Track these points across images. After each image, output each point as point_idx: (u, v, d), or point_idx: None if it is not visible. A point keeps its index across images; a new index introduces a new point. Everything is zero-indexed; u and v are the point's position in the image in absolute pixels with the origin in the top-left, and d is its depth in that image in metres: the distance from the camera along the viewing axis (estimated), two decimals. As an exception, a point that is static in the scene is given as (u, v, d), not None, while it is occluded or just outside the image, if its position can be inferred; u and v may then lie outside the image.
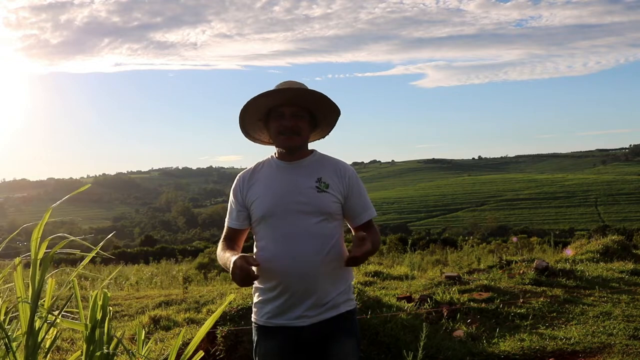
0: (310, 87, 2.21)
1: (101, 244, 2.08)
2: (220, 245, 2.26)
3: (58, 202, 2.05)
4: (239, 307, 4.73)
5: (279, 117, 2.16)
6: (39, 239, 1.95)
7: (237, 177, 2.29)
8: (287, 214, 2.11)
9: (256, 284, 2.19)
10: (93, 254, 2.07)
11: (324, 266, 2.09)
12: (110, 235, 2.59)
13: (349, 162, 2.31)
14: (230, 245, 2.22)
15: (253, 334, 2.21)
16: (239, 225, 2.24)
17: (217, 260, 2.22)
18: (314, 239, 2.09)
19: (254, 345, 2.20)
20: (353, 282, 2.39)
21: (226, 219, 2.28)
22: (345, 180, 2.18)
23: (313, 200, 2.11)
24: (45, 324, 2.00)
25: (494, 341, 4.80)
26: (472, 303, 5.85)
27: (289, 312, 2.09)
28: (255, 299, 2.21)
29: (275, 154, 2.25)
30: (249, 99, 2.13)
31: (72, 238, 2.00)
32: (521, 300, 6.02)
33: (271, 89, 2.16)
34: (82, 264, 2.14)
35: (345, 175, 2.19)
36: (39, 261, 1.95)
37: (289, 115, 2.14)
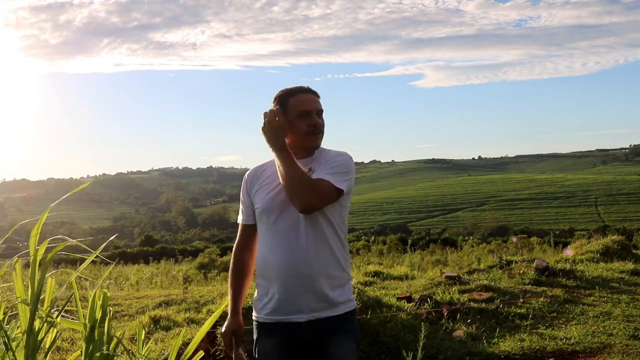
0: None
1: (102, 247, 2.08)
2: (232, 258, 2.31)
3: (56, 202, 2.05)
4: (238, 307, 4.72)
5: (306, 117, 2.15)
6: (37, 239, 1.94)
7: (246, 173, 2.32)
8: (284, 209, 2.13)
9: (256, 280, 2.23)
10: (92, 257, 2.06)
11: (320, 261, 2.10)
12: (113, 237, 2.59)
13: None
14: (242, 261, 2.27)
15: (253, 332, 2.23)
16: (250, 220, 2.26)
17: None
18: (310, 234, 2.10)
19: (254, 342, 2.22)
20: (353, 282, 2.39)
21: (238, 218, 2.32)
22: (325, 162, 2.17)
23: None
24: (45, 324, 1.99)
25: (494, 341, 4.80)
26: (472, 303, 5.85)
27: (287, 307, 2.11)
28: (255, 296, 2.23)
29: None
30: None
31: (71, 240, 2.00)
32: (521, 300, 6.02)
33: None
34: (81, 266, 2.14)
35: (328, 159, 2.18)
36: (37, 261, 1.95)
37: (316, 113, 2.17)
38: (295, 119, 2.15)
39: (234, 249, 2.32)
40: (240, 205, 2.31)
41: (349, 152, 2.22)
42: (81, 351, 2.09)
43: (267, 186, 2.19)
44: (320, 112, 2.19)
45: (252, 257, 2.28)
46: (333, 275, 2.14)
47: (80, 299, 2.14)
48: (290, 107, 2.16)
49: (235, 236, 2.34)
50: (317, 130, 2.16)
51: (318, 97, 2.22)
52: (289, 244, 2.10)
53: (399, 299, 5.74)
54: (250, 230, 2.28)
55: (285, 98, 2.18)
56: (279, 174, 2.11)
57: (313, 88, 2.24)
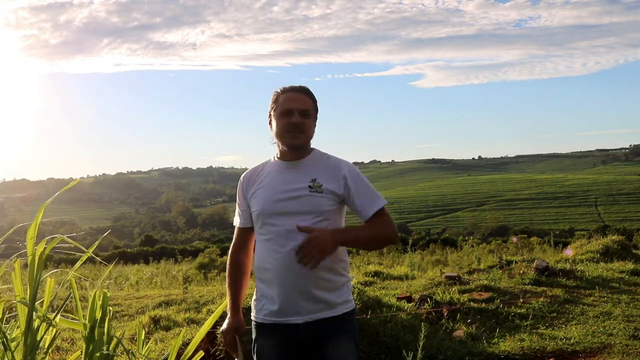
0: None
1: (96, 244, 2.08)
2: (229, 259, 2.32)
3: (50, 199, 2.05)
4: (238, 307, 4.71)
5: (287, 115, 2.16)
6: (34, 240, 1.94)
7: (241, 176, 2.31)
8: (280, 212, 2.12)
9: (255, 282, 2.23)
10: (87, 255, 2.06)
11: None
12: (106, 233, 2.58)
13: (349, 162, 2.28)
14: (238, 262, 2.29)
15: (252, 332, 2.23)
16: (246, 224, 2.27)
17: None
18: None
19: (253, 342, 2.22)
20: (353, 282, 2.39)
21: (235, 220, 2.32)
22: (341, 181, 2.16)
23: (305, 201, 2.12)
24: (44, 323, 1.99)
25: (494, 341, 4.80)
26: (472, 303, 5.85)
27: (285, 309, 2.11)
28: (254, 297, 2.23)
29: (277, 154, 2.26)
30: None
31: (69, 241, 2.00)
32: (521, 300, 6.02)
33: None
34: (77, 264, 2.14)
35: (339, 175, 2.17)
36: (36, 261, 1.95)
37: (298, 113, 2.15)
38: (278, 117, 2.18)
39: (230, 251, 2.32)
40: (237, 208, 2.31)
41: (347, 154, 2.24)
42: (81, 351, 2.09)
43: (262, 189, 2.19)
44: (304, 112, 2.17)
45: (249, 258, 2.29)
46: (331, 276, 2.14)
47: (80, 299, 2.14)
48: (278, 105, 2.19)
49: None
50: (294, 129, 2.15)
51: (309, 97, 2.21)
52: (287, 246, 2.09)
53: (399, 299, 5.74)
54: (246, 233, 2.29)
55: (278, 95, 2.22)
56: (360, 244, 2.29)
57: (311, 89, 2.23)
